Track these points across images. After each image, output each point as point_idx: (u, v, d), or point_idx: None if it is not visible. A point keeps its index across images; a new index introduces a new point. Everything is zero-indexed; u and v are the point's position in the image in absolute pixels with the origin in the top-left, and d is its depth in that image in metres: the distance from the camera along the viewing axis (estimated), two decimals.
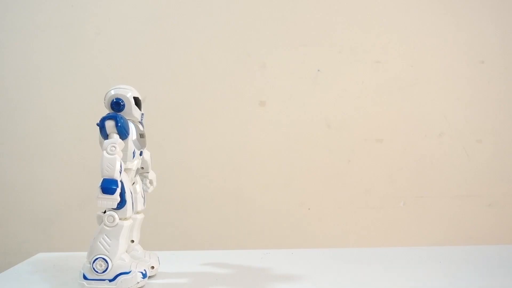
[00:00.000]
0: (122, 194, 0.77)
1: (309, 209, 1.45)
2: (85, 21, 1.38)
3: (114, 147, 0.77)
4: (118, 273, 0.78)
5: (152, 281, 0.87)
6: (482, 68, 1.46)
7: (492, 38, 1.46)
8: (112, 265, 0.78)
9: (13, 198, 1.38)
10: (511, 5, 1.45)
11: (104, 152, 0.76)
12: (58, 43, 1.37)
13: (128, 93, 0.82)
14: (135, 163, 0.84)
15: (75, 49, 1.38)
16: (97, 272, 0.77)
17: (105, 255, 0.78)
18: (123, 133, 0.79)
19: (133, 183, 0.86)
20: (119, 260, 0.79)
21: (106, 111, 0.82)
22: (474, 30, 1.45)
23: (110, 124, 0.79)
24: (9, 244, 1.38)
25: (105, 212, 0.78)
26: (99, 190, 0.75)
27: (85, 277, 0.78)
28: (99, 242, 0.78)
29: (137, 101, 0.84)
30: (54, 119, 1.38)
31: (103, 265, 0.77)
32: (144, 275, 0.81)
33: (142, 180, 0.91)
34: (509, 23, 1.46)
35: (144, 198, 0.90)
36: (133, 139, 0.82)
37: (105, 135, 0.79)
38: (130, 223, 0.81)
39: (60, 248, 1.20)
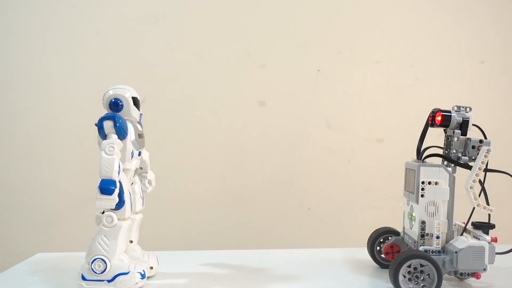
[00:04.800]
0: (121, 195, 0.77)
1: (309, 209, 1.45)
2: (85, 21, 1.38)
3: (113, 147, 0.76)
4: (116, 273, 0.78)
5: (151, 281, 0.87)
6: (482, 68, 1.46)
7: (492, 38, 1.45)
8: (111, 266, 0.78)
9: (13, 198, 1.38)
10: (511, 5, 1.45)
11: (103, 152, 0.76)
12: (58, 43, 1.37)
13: (126, 93, 0.82)
14: (134, 164, 0.84)
15: (75, 49, 1.38)
16: (95, 272, 0.77)
17: (103, 255, 0.77)
18: (121, 134, 0.79)
19: (132, 184, 0.86)
20: (118, 261, 0.79)
21: (105, 111, 0.82)
22: (474, 30, 1.45)
23: (108, 125, 0.78)
24: (9, 244, 1.39)
25: (103, 212, 0.78)
26: (97, 191, 0.75)
27: (83, 278, 0.78)
28: (98, 242, 0.78)
29: (135, 101, 0.83)
30: (54, 119, 1.38)
31: (102, 265, 0.77)
32: (143, 276, 0.81)
33: (141, 180, 0.91)
34: (509, 23, 1.46)
35: (143, 199, 0.90)
36: (132, 139, 0.82)
37: (103, 135, 0.79)
38: (128, 223, 0.81)
39: (59, 248, 1.20)
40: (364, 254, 1.01)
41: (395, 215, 1.07)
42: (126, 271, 0.78)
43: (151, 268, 0.88)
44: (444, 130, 0.89)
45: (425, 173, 0.85)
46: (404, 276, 0.80)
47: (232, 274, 0.93)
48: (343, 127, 1.44)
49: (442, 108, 0.87)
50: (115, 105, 0.80)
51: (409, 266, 0.80)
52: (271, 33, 1.41)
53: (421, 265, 0.80)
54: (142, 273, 0.81)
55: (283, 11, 1.41)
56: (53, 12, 1.37)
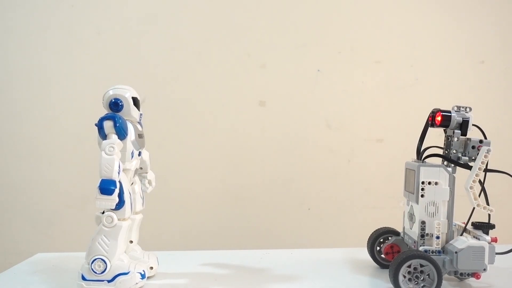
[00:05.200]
0: (121, 195, 0.77)
1: (309, 209, 1.45)
2: (85, 21, 1.38)
3: (113, 147, 0.76)
4: (116, 273, 0.78)
5: (151, 281, 0.87)
6: (482, 68, 1.46)
7: (492, 38, 1.45)
8: (111, 266, 0.78)
9: (13, 198, 1.38)
10: (511, 5, 1.45)
11: (103, 152, 0.76)
12: (58, 43, 1.37)
13: (126, 93, 0.82)
14: (134, 164, 0.84)
15: (75, 49, 1.38)
16: (95, 272, 0.77)
17: (103, 255, 0.77)
18: (121, 134, 0.79)
19: (132, 184, 0.86)
20: (118, 261, 0.79)
21: (105, 111, 0.82)
22: (474, 30, 1.45)
23: (108, 125, 0.78)
24: (9, 244, 1.39)
25: (103, 212, 0.78)
26: (97, 191, 0.75)
27: (83, 278, 0.78)
28: (98, 242, 0.78)
29: (135, 101, 0.83)
30: (54, 119, 1.38)
31: (102, 265, 0.77)
32: (143, 276, 0.81)
33: (141, 181, 0.91)
34: (509, 23, 1.46)
35: (143, 199, 0.90)
36: (132, 139, 0.82)
37: (103, 135, 0.79)
38: (128, 223, 0.81)
39: (59, 248, 1.20)
40: (364, 254, 1.01)
41: (395, 215, 1.07)
42: (126, 271, 0.78)
43: (151, 268, 0.88)
44: (444, 130, 0.89)
45: (425, 173, 0.85)
46: (404, 276, 0.80)
47: (232, 274, 0.93)
48: (343, 127, 1.44)
49: (442, 108, 0.87)
50: (115, 105, 0.80)
51: (409, 266, 0.80)
52: (271, 33, 1.41)
53: (421, 265, 0.80)
54: (142, 273, 0.81)
55: (283, 11, 1.41)
56: (53, 12, 1.37)
